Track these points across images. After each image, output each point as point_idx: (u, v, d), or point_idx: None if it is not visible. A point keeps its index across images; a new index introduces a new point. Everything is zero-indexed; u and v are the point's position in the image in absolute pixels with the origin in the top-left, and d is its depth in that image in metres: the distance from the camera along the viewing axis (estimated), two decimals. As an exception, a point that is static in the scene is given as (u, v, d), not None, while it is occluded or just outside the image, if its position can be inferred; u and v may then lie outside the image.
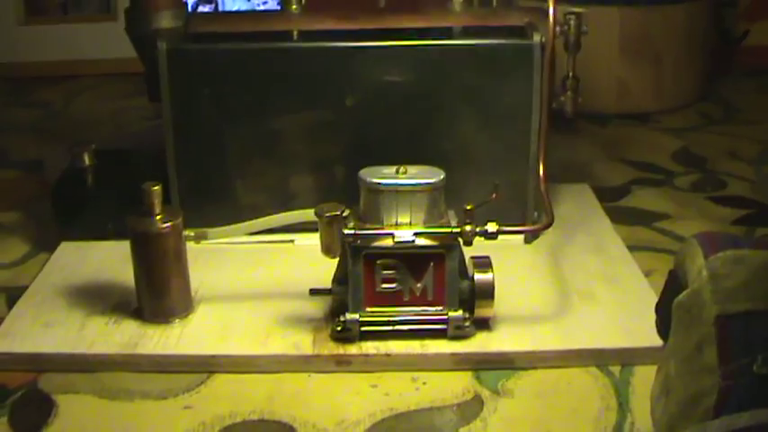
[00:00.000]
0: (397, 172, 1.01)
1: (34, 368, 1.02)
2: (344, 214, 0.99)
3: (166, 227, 1.04)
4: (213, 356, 1.02)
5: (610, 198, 1.45)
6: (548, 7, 1.15)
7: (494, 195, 1.01)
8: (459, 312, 1.02)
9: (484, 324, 1.04)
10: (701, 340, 0.81)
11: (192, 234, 1.08)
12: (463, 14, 1.27)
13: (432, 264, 1.01)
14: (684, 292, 0.86)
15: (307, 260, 1.16)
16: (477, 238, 1.00)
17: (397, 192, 0.99)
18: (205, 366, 1.01)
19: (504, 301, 1.06)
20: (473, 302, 1.02)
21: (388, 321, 1.02)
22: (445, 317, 1.02)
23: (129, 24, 1.24)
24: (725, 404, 0.76)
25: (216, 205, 1.22)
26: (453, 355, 1.01)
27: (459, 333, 1.03)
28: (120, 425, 0.93)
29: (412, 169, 1.01)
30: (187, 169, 1.22)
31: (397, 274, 1.01)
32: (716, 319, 0.81)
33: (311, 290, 1.07)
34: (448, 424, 0.92)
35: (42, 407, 0.96)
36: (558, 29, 1.16)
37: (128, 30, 1.24)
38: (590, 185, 1.46)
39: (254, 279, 1.17)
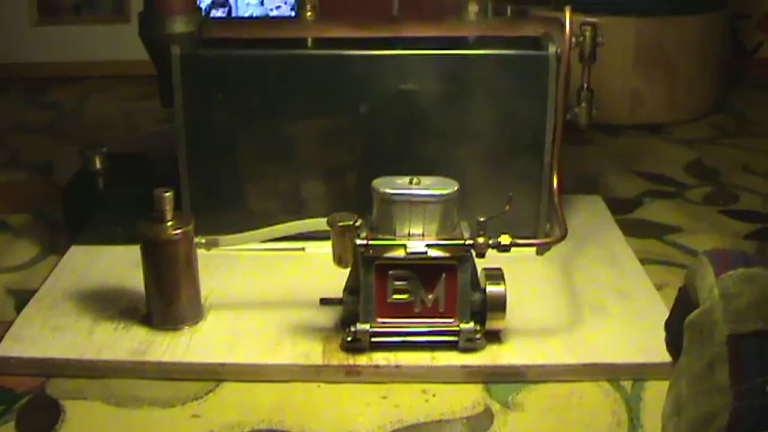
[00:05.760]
0: (411, 182, 1.00)
1: (42, 373, 1.02)
2: (357, 224, 0.99)
3: (177, 233, 1.04)
4: (222, 365, 1.01)
5: (622, 210, 1.44)
6: (563, 18, 1.14)
7: (507, 207, 1.00)
8: (471, 324, 1.01)
9: (495, 336, 1.04)
10: (712, 360, 0.81)
11: (203, 241, 1.07)
12: (478, 24, 1.26)
13: (444, 275, 1.01)
14: (695, 311, 0.86)
15: (318, 269, 1.16)
16: (489, 250, 1.00)
17: (411, 202, 0.99)
18: (214, 374, 1.01)
19: (515, 314, 1.05)
20: (485, 315, 1.02)
21: (399, 332, 1.02)
22: (456, 329, 1.02)
23: (143, 28, 1.23)
24: (737, 425, 0.76)
25: (227, 211, 1.22)
26: (464, 367, 1.01)
27: (470, 345, 1.02)
28: (128, 432, 0.93)
29: (425, 180, 1.01)
30: (199, 175, 1.22)
31: (409, 285, 1.01)
32: (728, 338, 0.80)
33: (322, 299, 1.07)
34: (457, 437, 0.92)
35: (49, 412, 0.96)
36: (573, 40, 1.16)
37: (141, 34, 1.24)
38: (602, 197, 1.46)
39: (265, 287, 1.17)
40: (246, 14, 2.06)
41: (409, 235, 1.00)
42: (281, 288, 1.16)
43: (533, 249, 1.24)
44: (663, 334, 0.99)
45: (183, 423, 0.94)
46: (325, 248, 1.01)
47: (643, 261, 1.24)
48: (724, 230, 1.39)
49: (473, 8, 1.26)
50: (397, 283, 1.01)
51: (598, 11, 1.74)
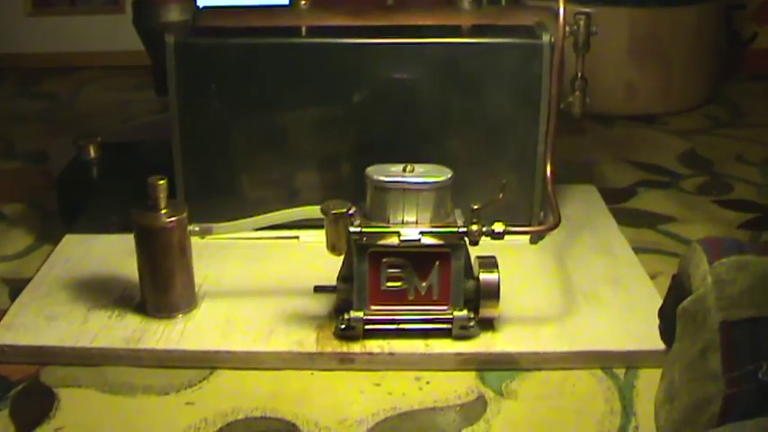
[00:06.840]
0: (405, 170, 1.00)
1: (36, 361, 1.02)
2: (351, 212, 0.99)
3: (171, 221, 1.04)
4: (216, 352, 1.01)
5: (616, 199, 1.44)
6: (557, 7, 1.14)
7: (501, 195, 1.00)
8: (464, 312, 1.02)
9: (488, 324, 1.04)
10: (705, 347, 0.81)
11: (197, 229, 1.07)
12: (472, 13, 1.26)
13: (437, 263, 1.01)
14: (689, 299, 0.86)
15: (311, 257, 1.16)
16: (483, 238, 1.00)
17: (404, 190, 0.99)
18: (208, 362, 1.01)
19: (509, 302, 1.06)
20: (478, 302, 1.02)
21: (393, 320, 1.02)
22: (450, 316, 1.02)
23: (137, 17, 1.23)
24: (729, 412, 0.76)
25: (221, 200, 1.22)
26: (457, 354, 1.01)
27: (463, 333, 1.02)
28: (122, 419, 0.93)
29: (419, 168, 1.01)
30: (193, 164, 1.22)
31: (403, 272, 1.01)
32: (720, 325, 0.81)
33: (316, 287, 1.07)
34: (451, 424, 0.92)
35: (44, 400, 0.96)
36: (567, 29, 1.16)
37: (135, 23, 1.24)
38: (596, 186, 1.46)
39: (259, 275, 1.17)
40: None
41: (403, 222, 1.00)
42: (275, 276, 1.16)
43: (527, 238, 1.24)
44: (656, 322, 0.99)
45: (177, 410, 0.94)
46: (318, 236, 1.02)
47: (637, 250, 1.24)
48: (718, 220, 1.39)
49: (467, -3, 1.26)
50: (390, 270, 1.01)
51: (592, 1, 1.74)
